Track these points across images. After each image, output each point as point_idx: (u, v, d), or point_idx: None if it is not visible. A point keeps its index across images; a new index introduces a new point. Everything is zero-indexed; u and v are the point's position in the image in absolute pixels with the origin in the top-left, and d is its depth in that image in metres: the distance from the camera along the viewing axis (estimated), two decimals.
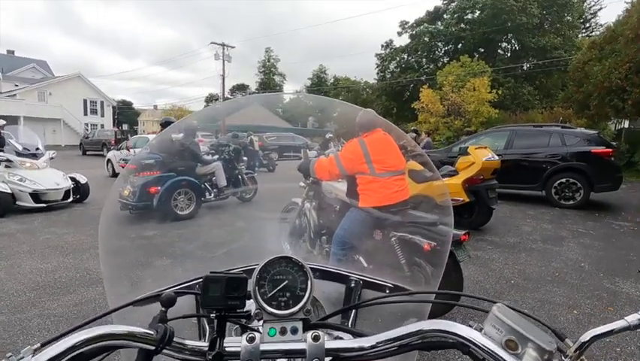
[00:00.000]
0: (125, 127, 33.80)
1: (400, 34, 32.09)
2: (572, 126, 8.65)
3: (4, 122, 6.61)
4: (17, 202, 5.93)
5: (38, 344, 0.45)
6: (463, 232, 2.61)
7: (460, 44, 29.17)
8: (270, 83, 49.20)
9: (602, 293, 3.19)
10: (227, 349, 0.52)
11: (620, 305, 2.97)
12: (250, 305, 0.59)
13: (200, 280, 0.71)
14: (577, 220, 5.90)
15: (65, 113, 29.86)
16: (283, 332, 0.55)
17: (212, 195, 6.00)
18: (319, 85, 46.54)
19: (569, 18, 26.80)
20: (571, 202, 6.81)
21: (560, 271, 3.71)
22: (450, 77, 20.69)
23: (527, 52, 27.15)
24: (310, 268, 0.62)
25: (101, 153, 19.51)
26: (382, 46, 33.35)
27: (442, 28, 29.63)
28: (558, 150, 7.04)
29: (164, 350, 0.49)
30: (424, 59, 31.18)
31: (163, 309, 0.52)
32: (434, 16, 30.40)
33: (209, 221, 5.12)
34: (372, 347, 0.52)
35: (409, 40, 31.23)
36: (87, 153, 21.77)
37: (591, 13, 29.82)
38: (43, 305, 2.86)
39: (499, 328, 0.45)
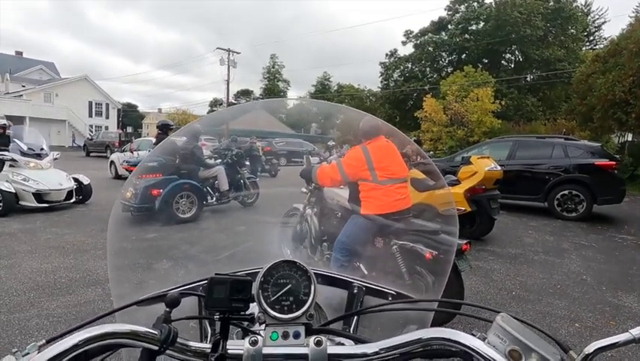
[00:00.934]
0: (129, 129, 34.11)
1: (404, 43, 32.34)
2: (575, 138, 8.64)
3: (10, 123, 6.67)
4: (20, 202, 5.95)
5: (43, 341, 0.45)
6: (465, 242, 2.60)
7: (464, 55, 29.35)
8: (274, 89, 49.53)
9: (604, 307, 3.16)
10: (230, 351, 0.52)
11: (622, 319, 2.94)
12: (253, 309, 0.59)
13: (204, 282, 0.71)
14: (579, 233, 5.86)
15: (70, 114, 30.11)
16: (285, 336, 0.55)
17: (215, 198, 6.01)
18: (323, 92, 46.81)
19: (573, 31, 26.95)
20: (573, 214, 6.77)
21: (562, 284, 3.68)
22: (453, 87, 20.78)
23: (531, 63, 27.28)
24: (313, 273, 0.62)
25: (104, 154, 19.60)
26: (387, 55, 33.59)
27: (446, 38, 29.84)
28: (561, 162, 7.03)
29: (168, 351, 0.49)
30: (427, 69, 31.36)
31: (167, 310, 0.52)
32: (438, 26, 30.62)
33: (212, 225, 5.13)
34: (375, 353, 0.52)
35: (413, 50, 31.46)
36: (91, 154, 21.89)
37: (595, 27, 29.98)
38: (42, 305, 2.85)
39: (503, 337, 0.44)
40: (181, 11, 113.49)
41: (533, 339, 0.43)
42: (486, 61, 28.62)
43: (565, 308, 3.12)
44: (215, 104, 52.05)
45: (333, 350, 0.52)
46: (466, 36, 29.03)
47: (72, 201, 6.58)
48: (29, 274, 3.46)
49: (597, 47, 26.78)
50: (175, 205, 5.58)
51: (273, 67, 50.91)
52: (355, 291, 0.80)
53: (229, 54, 28.25)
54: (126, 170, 9.66)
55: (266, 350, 0.52)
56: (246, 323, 0.63)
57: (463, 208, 4.67)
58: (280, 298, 0.58)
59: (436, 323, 0.70)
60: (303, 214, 2.99)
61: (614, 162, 6.80)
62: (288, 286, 0.59)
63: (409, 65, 31.84)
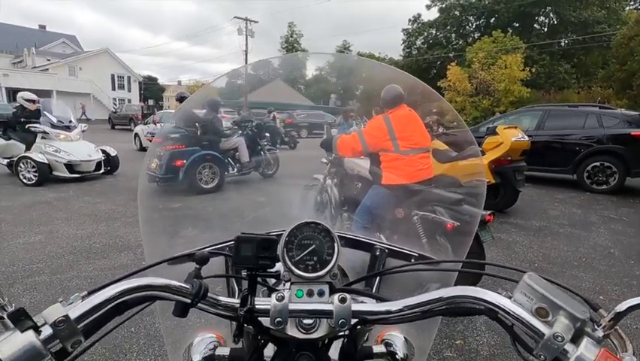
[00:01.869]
0: (150, 102, 34.56)
1: (428, 7, 30.63)
2: (612, 107, 8.13)
3: (35, 96, 6.86)
4: (53, 172, 6.25)
5: (85, 292, 0.48)
6: (488, 213, 2.56)
7: (493, 18, 27.55)
8: (293, 53, 48.55)
9: (631, 281, 3.09)
10: (257, 307, 0.54)
11: None
12: (278, 268, 0.61)
13: (231, 242, 0.73)
14: (609, 206, 5.65)
15: (95, 87, 30.74)
16: (310, 294, 0.57)
17: (236, 170, 6.10)
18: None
19: None
20: (604, 187, 6.50)
21: (588, 257, 3.60)
22: (480, 54, 19.73)
23: (567, 26, 25.34)
24: (337, 235, 0.63)
25: (128, 127, 20.08)
26: (410, 20, 32.03)
27: (474, 0, 27.98)
28: (594, 132, 6.66)
29: (199, 304, 0.52)
30: (453, 35, 29.78)
31: (197, 266, 0.54)
32: None
33: (234, 194, 5.25)
34: (399, 310, 0.53)
35: (437, 15, 29.77)
36: (115, 127, 22.48)
37: None
38: (80, 268, 3.06)
39: (530, 295, 0.44)
40: None
41: (561, 297, 0.43)
42: (517, 25, 26.82)
43: (590, 281, 3.07)
44: (233, 76, 51.60)
45: (356, 307, 0.54)
46: None
47: (101, 171, 6.86)
48: (67, 240, 3.69)
49: None
50: (198, 176, 5.72)
51: (292, 36, 49.66)
52: (377, 253, 0.80)
53: (247, 23, 27.66)
54: (150, 141, 9.92)
55: (292, 306, 0.54)
56: (272, 283, 0.65)
57: (487, 180, 4.56)
58: (304, 257, 0.60)
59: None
60: (323, 185, 3.00)
61: None
62: (312, 247, 0.60)
63: (433, 32, 30.32)
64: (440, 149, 3.83)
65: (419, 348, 0.75)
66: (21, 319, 0.42)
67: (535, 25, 27.66)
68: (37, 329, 0.42)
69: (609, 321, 0.42)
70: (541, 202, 5.80)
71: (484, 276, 1.06)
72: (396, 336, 0.74)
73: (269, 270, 0.56)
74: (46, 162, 6.12)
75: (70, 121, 6.91)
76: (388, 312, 0.53)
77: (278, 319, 0.52)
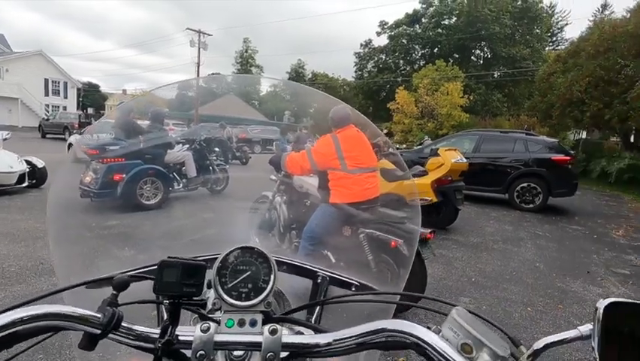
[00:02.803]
0: (90, 111, 32.14)
1: (379, 34, 32.51)
2: (536, 134, 9.12)
3: None
4: None
5: None
6: (429, 231, 2.68)
7: (437, 48, 29.94)
8: (246, 74, 48.31)
9: (553, 292, 3.39)
10: (180, 338, 0.50)
11: (569, 303, 3.17)
12: (211, 295, 0.58)
13: (155, 266, 0.68)
14: (535, 223, 6.23)
15: (24, 92, 27.89)
16: (242, 323, 0.54)
17: (181, 185, 5.81)
18: (297, 79, 46.23)
19: (537, 31, 28.20)
20: (531, 206, 7.18)
21: (517, 271, 3.90)
22: (425, 80, 21.20)
23: (498, 60, 28.31)
24: (278, 261, 0.61)
25: (62, 136, 18.39)
26: (361, 45, 33.69)
27: (419, 31, 30.27)
28: (522, 156, 7.39)
29: (112, 335, 0.47)
30: (401, 61, 31.77)
31: (114, 292, 0.49)
32: (413, 18, 30.97)
33: (178, 211, 4.96)
34: (329, 344, 0.51)
35: (387, 41, 31.68)
36: (47, 136, 20.46)
37: (558, 28, 31.53)
38: None
39: (457, 331, 0.45)
40: None
41: (486, 333, 0.44)
42: (457, 56, 29.38)
43: (519, 293, 3.31)
44: (184, 87, 50.06)
45: (288, 339, 0.51)
46: (439, 30, 29.59)
47: (24, 185, 6.13)
48: None
49: (559, 47, 28.22)
50: (139, 191, 5.35)
51: (246, 51, 49.62)
52: (319, 280, 0.79)
53: (200, 36, 27.14)
54: (85, 153, 9.13)
55: (218, 338, 0.50)
56: (206, 310, 0.60)
57: (430, 198, 4.81)
58: (238, 284, 0.57)
59: (398, 311, 0.70)
60: (272, 202, 2.96)
61: (569, 157, 7.25)
62: (247, 273, 0.58)
63: (383, 57, 32.11)
64: (388, 168, 3.98)
65: None
66: None
67: (472, 57, 30.52)
68: None
69: (527, 358, 0.44)
70: (478, 220, 6.24)
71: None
72: None
73: (195, 298, 0.52)
74: None
75: None
76: (319, 345, 0.51)
77: (201, 352, 0.48)
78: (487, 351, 0.43)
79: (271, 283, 0.58)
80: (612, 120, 11.94)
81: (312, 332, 0.59)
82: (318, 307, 0.74)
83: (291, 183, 2.88)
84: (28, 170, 6.22)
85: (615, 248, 4.97)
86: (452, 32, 28.58)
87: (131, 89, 52.23)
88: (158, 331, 0.50)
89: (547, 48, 29.46)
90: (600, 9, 24.97)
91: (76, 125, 17.87)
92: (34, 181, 6.39)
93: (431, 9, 30.05)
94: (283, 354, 0.51)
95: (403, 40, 30.48)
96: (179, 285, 0.50)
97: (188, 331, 0.51)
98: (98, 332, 0.46)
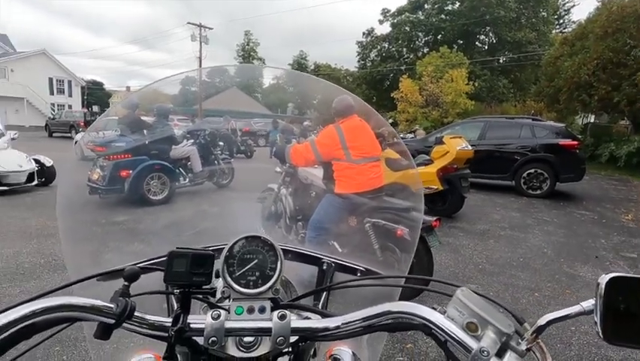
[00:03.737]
0: (95, 108, 32.30)
1: (381, 22, 31.98)
2: (542, 119, 8.99)
3: None
4: None
5: None
6: (434, 219, 2.68)
7: (440, 35, 29.42)
8: (249, 64, 48.09)
9: (561, 277, 3.39)
10: (191, 325, 0.51)
11: (577, 288, 3.17)
12: (219, 284, 0.59)
13: (165, 257, 0.70)
14: (542, 209, 6.19)
15: (29, 91, 28.10)
16: (251, 310, 0.55)
17: (187, 180, 5.85)
18: (299, 71, 45.94)
19: (544, 14, 27.51)
20: (538, 192, 7.12)
21: (525, 257, 3.89)
22: (429, 68, 20.89)
23: (504, 45, 27.76)
24: (283, 249, 0.62)
25: (68, 135, 18.55)
26: (364, 34, 33.17)
27: (422, 18, 29.74)
28: (529, 142, 7.31)
29: (125, 325, 0.49)
30: (404, 49, 31.29)
31: (125, 283, 0.51)
32: (415, 5, 30.41)
33: (185, 205, 5.02)
34: (337, 327, 0.52)
35: (390, 29, 31.20)
36: (54, 134, 20.67)
37: (565, 10, 30.75)
38: (3, 292, 2.73)
39: (462, 311, 0.46)
40: None
41: (490, 312, 0.45)
42: (461, 42, 28.87)
43: (526, 279, 3.31)
44: (187, 82, 50.14)
45: (297, 323, 0.53)
46: (442, 16, 29.04)
47: (34, 183, 6.23)
48: None
49: (566, 30, 27.58)
50: (146, 187, 5.41)
51: (248, 44, 49.26)
52: (325, 267, 0.80)
53: (200, 30, 27.01)
54: (92, 150, 9.22)
55: (229, 324, 0.52)
56: (216, 299, 0.62)
57: (436, 187, 4.80)
58: (246, 273, 0.58)
59: (406, 298, 0.72)
60: (277, 194, 2.97)
61: (577, 142, 7.15)
62: (254, 262, 0.59)
63: (386, 45, 31.66)
64: (392, 157, 3.97)
65: None
66: None
67: (477, 43, 29.97)
68: None
69: (532, 335, 0.44)
70: (484, 207, 6.21)
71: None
72: (344, 351, 0.73)
73: (204, 287, 0.53)
74: None
75: None
76: (327, 328, 0.52)
77: (212, 338, 0.50)
78: (492, 329, 0.43)
79: (278, 270, 0.59)
80: (621, 103, 11.72)
81: (320, 317, 0.60)
82: (324, 294, 0.75)
83: (296, 174, 2.89)
84: (37, 169, 6.31)
85: (624, 232, 4.92)
86: (456, 18, 28.04)
87: (134, 86, 52.39)
88: (170, 320, 0.51)
89: (553, 31, 28.79)
90: None
91: (82, 124, 18.00)
92: (42, 180, 6.48)
93: None
94: (292, 338, 0.53)
95: (406, 28, 30.00)
96: (189, 274, 0.52)
97: (199, 319, 0.52)
98: (112, 321, 0.47)
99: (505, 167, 7.38)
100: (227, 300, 0.58)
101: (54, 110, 27.33)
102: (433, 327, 0.47)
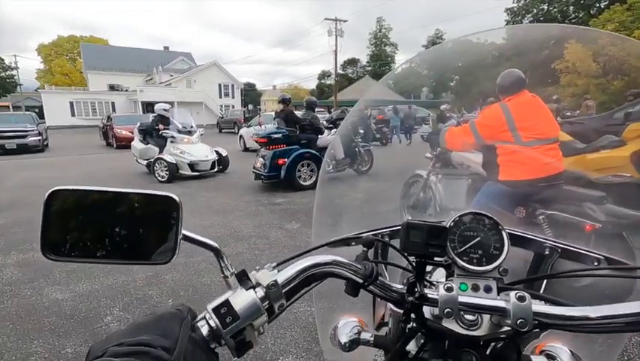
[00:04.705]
0: (250, 107, 37.97)
1: None
2: None
3: (170, 106, 8.15)
4: (179, 171, 7.34)
5: (275, 263, 0.54)
6: None
7: None
8: (381, 54, 47.80)
9: None
10: (428, 295, 0.53)
11: None
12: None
13: (389, 228, 0.74)
14: None
15: (206, 96, 35.06)
16: (475, 288, 0.54)
17: (331, 167, 6.29)
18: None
19: None
20: None
21: None
22: (610, 26, 16.52)
23: None
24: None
25: (233, 130, 22.35)
26: None
27: None
28: None
29: (369, 286, 0.53)
30: (571, 7, 25.58)
31: (365, 249, 0.57)
32: None
33: (339, 191, 5.41)
34: (588, 318, 0.46)
35: None
36: (222, 130, 25.26)
37: None
38: (204, 253, 3.50)
39: None
40: None
41: None
42: None
43: None
44: (323, 76, 53.38)
45: (538, 308, 0.49)
46: None
47: (215, 170, 7.79)
48: (191, 229, 4.23)
49: None
50: (297, 173, 6.06)
51: (380, 31, 48.91)
52: (547, 253, 0.71)
53: (336, 24, 28.20)
54: (255, 142, 10.88)
55: (462, 299, 0.51)
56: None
57: (629, 174, 3.80)
58: (468, 250, 0.57)
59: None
60: (426, 181, 2.88)
61: None
62: (477, 239, 0.58)
63: (545, 7, 26.49)
64: (564, 140, 3.34)
65: None
66: (243, 279, 0.49)
67: None
68: (254, 289, 0.48)
69: None
70: None
71: None
72: (561, 349, 0.65)
73: (436, 258, 0.54)
74: (174, 162, 7.21)
75: (192, 126, 8.01)
76: (587, 318, 0.46)
77: (447, 309, 0.50)
78: None
79: (506, 250, 0.56)
80: None
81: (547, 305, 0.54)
82: (544, 282, 0.68)
83: (450, 160, 2.73)
84: (217, 158, 7.85)
85: None
86: None
87: (279, 85, 58.93)
88: (402, 287, 0.55)
89: None
90: None
91: (242, 120, 21.43)
92: (221, 167, 8.04)
93: None
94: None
95: None
96: (425, 245, 0.53)
97: (430, 290, 0.53)
98: (361, 281, 0.53)
99: None
100: (449, 277, 0.58)
101: (222, 111, 33.35)
102: None
